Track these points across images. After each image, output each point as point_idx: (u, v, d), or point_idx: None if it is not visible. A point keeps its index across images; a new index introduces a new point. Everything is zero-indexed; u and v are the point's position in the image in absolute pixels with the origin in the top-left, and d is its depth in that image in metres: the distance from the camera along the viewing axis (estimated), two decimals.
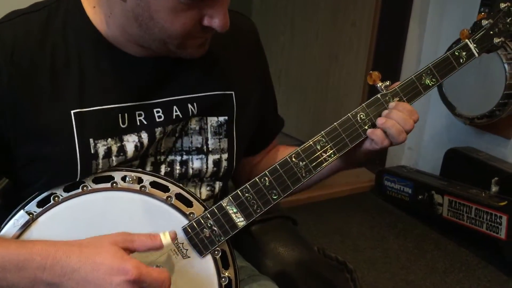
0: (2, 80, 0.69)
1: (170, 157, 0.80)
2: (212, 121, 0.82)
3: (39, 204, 0.72)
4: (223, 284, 0.76)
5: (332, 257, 1.22)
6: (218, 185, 0.85)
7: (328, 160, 0.78)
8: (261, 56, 0.92)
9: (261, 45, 0.92)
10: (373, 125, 0.79)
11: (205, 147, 0.81)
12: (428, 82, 0.81)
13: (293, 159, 0.77)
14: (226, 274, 0.77)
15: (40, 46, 0.71)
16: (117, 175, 0.74)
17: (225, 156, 0.83)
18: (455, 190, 2.31)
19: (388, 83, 0.80)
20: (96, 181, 0.74)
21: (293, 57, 3.21)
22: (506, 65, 2.12)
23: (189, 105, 0.79)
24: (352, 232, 2.36)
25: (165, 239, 0.69)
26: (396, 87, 0.80)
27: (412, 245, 2.28)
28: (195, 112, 0.79)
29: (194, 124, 0.80)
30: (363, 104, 0.79)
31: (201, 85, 0.81)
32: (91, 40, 0.74)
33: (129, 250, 0.67)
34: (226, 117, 0.83)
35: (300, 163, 0.77)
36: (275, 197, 0.76)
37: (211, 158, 0.82)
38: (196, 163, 0.81)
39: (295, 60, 3.21)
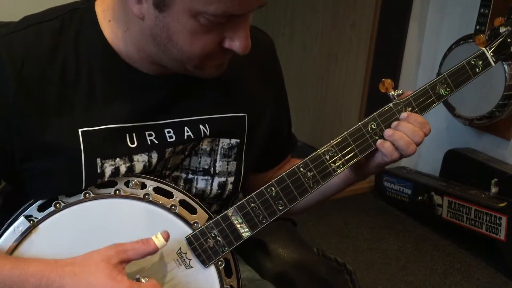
0: (8, 95, 0.67)
1: (176, 173, 0.78)
2: (224, 143, 0.80)
3: (40, 209, 0.70)
4: None
5: (331, 258, 1.21)
6: (220, 206, 0.84)
7: (337, 171, 0.76)
8: (278, 75, 0.90)
9: (278, 63, 0.90)
10: None
11: (212, 169, 0.79)
12: (443, 91, 0.79)
13: (301, 169, 0.75)
14: (229, 283, 0.75)
15: (50, 60, 0.69)
16: (121, 181, 0.72)
17: (231, 179, 0.81)
18: (455, 191, 2.30)
19: (401, 92, 0.78)
20: (99, 186, 0.72)
21: (293, 57, 3.20)
22: (505, 66, 2.11)
23: (201, 126, 0.77)
24: (351, 233, 2.35)
25: (159, 241, 0.68)
26: (409, 96, 0.78)
27: (411, 246, 2.27)
28: (207, 133, 0.77)
29: (205, 145, 0.78)
30: (374, 114, 0.77)
31: (214, 106, 0.79)
32: (103, 55, 0.71)
33: (125, 262, 0.66)
34: (238, 140, 0.81)
35: (308, 173, 0.75)
36: (281, 207, 0.75)
37: (216, 180, 0.80)
38: (200, 184, 0.79)
39: (295, 60, 3.19)
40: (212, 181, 0.80)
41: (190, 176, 0.79)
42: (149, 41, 0.68)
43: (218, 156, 0.79)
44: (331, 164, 0.76)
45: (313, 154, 0.76)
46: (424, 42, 2.72)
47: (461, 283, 2.03)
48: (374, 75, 2.82)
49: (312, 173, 0.75)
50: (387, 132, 0.76)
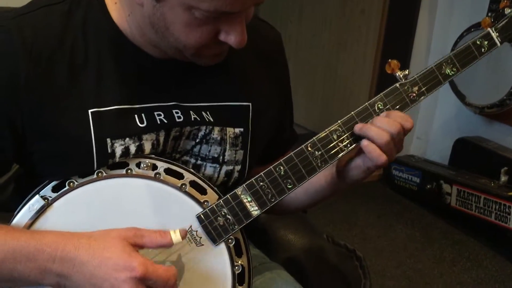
0: (19, 77, 0.68)
1: (185, 158, 0.79)
2: (230, 132, 0.80)
3: (54, 189, 0.72)
4: (237, 272, 0.76)
5: (341, 245, 1.22)
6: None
7: (344, 150, 0.77)
8: (283, 68, 0.91)
9: (284, 57, 0.90)
10: None
11: (221, 157, 0.80)
12: (449, 71, 0.79)
13: (309, 149, 0.76)
14: (240, 262, 0.76)
15: (60, 42, 0.70)
16: (132, 161, 0.74)
17: (238, 167, 0.82)
18: (464, 179, 2.30)
19: (407, 72, 0.79)
20: (111, 167, 0.73)
21: (301, 45, 3.19)
22: None
23: (203, 113, 0.78)
24: (359, 221, 2.36)
25: (175, 236, 0.69)
26: (415, 76, 0.79)
27: (419, 234, 2.28)
28: (211, 120, 0.79)
29: (216, 134, 0.79)
30: (381, 94, 0.78)
31: (218, 94, 0.80)
32: (111, 37, 0.73)
33: (138, 246, 0.67)
34: (242, 129, 0.81)
35: (316, 152, 0.76)
36: (290, 186, 0.76)
37: (224, 168, 0.81)
38: (208, 170, 0.80)
39: (303, 48, 3.19)
40: (220, 169, 0.81)
41: (199, 162, 0.80)
42: (148, 28, 0.69)
43: (228, 145, 0.80)
44: (339, 144, 0.77)
45: (321, 133, 0.77)
46: (434, 30, 2.70)
47: (469, 271, 2.04)
48: (383, 63, 2.81)
49: (319, 152, 0.76)
50: (357, 126, 0.76)
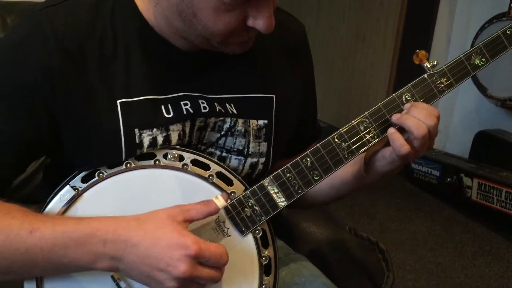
0: (53, 65, 0.68)
1: (210, 149, 0.80)
2: (253, 124, 0.81)
3: (84, 180, 0.72)
4: (264, 263, 0.76)
5: (364, 237, 1.21)
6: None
7: (371, 141, 0.76)
8: (307, 61, 0.90)
9: (308, 49, 0.90)
10: None
11: (246, 150, 0.81)
12: (478, 62, 0.78)
13: (336, 140, 0.76)
14: (266, 253, 0.77)
15: (89, 33, 0.71)
16: (159, 153, 0.74)
17: (262, 160, 0.82)
18: (485, 173, 2.28)
19: (435, 63, 0.78)
20: (139, 158, 0.74)
21: (319, 37, 3.18)
22: None
23: (227, 105, 0.79)
24: (378, 214, 2.35)
25: (219, 201, 0.70)
26: (444, 67, 0.78)
27: (439, 228, 2.26)
28: (235, 112, 0.79)
29: (240, 126, 0.79)
30: (409, 85, 0.77)
31: (242, 86, 0.80)
32: (138, 28, 0.73)
33: (187, 221, 0.67)
34: (266, 121, 0.81)
35: (343, 144, 0.76)
36: (316, 178, 0.76)
37: (249, 161, 0.81)
38: (233, 162, 0.81)
39: (321, 41, 3.17)
40: (245, 162, 0.81)
41: (224, 154, 0.80)
42: (176, 17, 0.69)
43: (251, 137, 0.81)
44: (365, 135, 0.76)
45: (347, 125, 0.76)
46: (455, 21, 2.66)
47: (490, 265, 2.02)
48: (402, 55, 2.79)
49: (346, 143, 0.76)
50: (395, 116, 0.75)
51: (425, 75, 0.78)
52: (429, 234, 2.22)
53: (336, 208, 2.32)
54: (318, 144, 0.76)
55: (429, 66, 0.78)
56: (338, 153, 0.76)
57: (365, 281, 1.14)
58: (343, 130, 0.76)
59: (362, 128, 0.77)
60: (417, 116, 0.73)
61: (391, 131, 0.74)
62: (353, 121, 0.77)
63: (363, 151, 0.77)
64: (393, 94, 0.77)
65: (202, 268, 0.65)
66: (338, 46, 3.10)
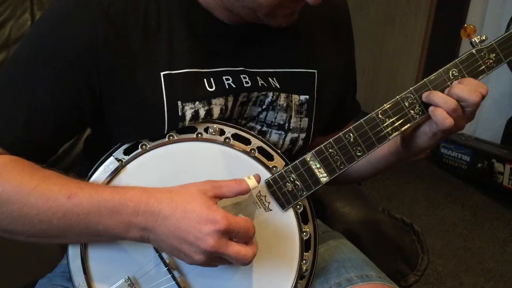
0: (98, 36, 0.68)
1: (251, 124, 0.79)
2: (295, 99, 0.80)
3: (126, 152, 0.73)
4: (304, 238, 0.76)
5: (398, 218, 1.20)
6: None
7: (416, 118, 0.75)
8: (349, 37, 0.89)
9: (350, 26, 0.89)
10: None
11: (287, 124, 0.80)
12: None
13: (380, 116, 0.75)
14: (306, 228, 0.76)
15: (133, 5, 0.71)
16: (200, 127, 0.74)
17: (302, 135, 0.82)
18: None
19: (484, 38, 0.75)
20: (180, 131, 0.74)
21: None
22: None
23: (270, 79, 0.78)
24: (407, 199, 2.32)
25: (251, 182, 0.69)
26: (493, 42, 0.75)
27: (469, 213, 2.23)
28: (277, 86, 0.78)
29: (282, 101, 0.79)
30: (456, 60, 0.75)
31: (284, 60, 0.79)
32: (182, 1, 0.73)
33: (218, 197, 0.68)
34: (307, 96, 0.81)
35: (387, 120, 0.75)
36: (359, 153, 0.75)
37: (289, 136, 0.81)
38: (273, 137, 0.80)
39: None
40: (285, 137, 0.81)
41: (264, 128, 0.80)
42: None
43: (293, 112, 0.80)
44: (410, 111, 0.75)
45: (392, 100, 0.75)
46: (489, 4, 2.59)
47: None
48: (433, 38, 2.73)
49: (390, 120, 0.75)
50: (424, 94, 0.74)
51: (473, 50, 0.76)
52: (458, 219, 2.19)
53: None
54: (362, 120, 0.75)
55: (477, 41, 0.76)
56: (381, 129, 0.75)
57: (399, 262, 1.14)
58: (387, 105, 0.75)
59: (406, 104, 0.75)
60: (457, 92, 0.72)
61: (432, 107, 0.73)
62: (397, 96, 0.75)
63: (408, 128, 0.76)
64: (440, 70, 0.75)
65: (230, 243, 0.65)
66: (366, 29, 3.04)
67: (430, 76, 0.75)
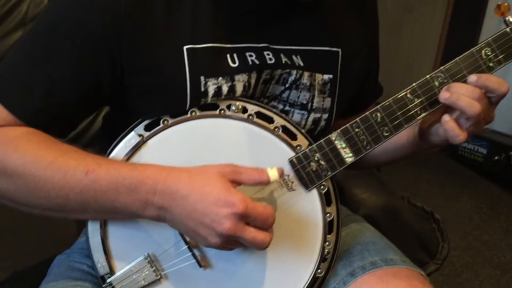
0: (121, 11, 0.67)
1: (273, 103, 0.78)
2: (319, 78, 0.78)
3: (147, 128, 0.71)
4: (328, 219, 0.74)
5: (418, 206, 1.18)
6: None
7: None
8: (374, 18, 0.88)
9: (376, 7, 0.87)
10: (499, 62, 0.73)
11: (309, 104, 0.78)
12: None
13: (408, 95, 0.72)
14: (329, 210, 0.75)
15: None
16: (223, 104, 0.72)
17: (325, 116, 0.80)
18: None
19: None
20: (202, 108, 0.72)
21: None
22: None
23: (294, 57, 0.76)
24: (421, 191, 2.30)
25: (273, 174, 0.67)
26: None
27: (485, 206, 2.20)
28: (301, 64, 0.76)
29: (306, 80, 0.77)
30: (488, 39, 0.73)
31: (308, 38, 0.77)
32: None
33: (236, 183, 0.66)
34: (331, 76, 0.79)
35: (416, 99, 0.72)
36: (386, 134, 0.73)
37: (312, 116, 0.79)
38: (296, 117, 0.78)
39: None
40: (308, 116, 0.79)
41: (287, 108, 0.78)
42: None
43: (316, 92, 0.78)
44: (440, 91, 0.72)
45: (421, 80, 0.73)
46: None
47: None
48: (452, 28, 2.68)
49: (419, 99, 0.72)
50: (443, 94, 0.71)
51: (507, 29, 0.73)
52: (474, 212, 2.16)
53: None
54: (390, 99, 0.73)
55: (511, 20, 0.73)
56: (410, 109, 0.72)
57: (419, 250, 1.12)
58: (416, 84, 0.73)
59: (437, 83, 0.73)
60: (471, 93, 0.69)
61: (446, 118, 0.71)
62: (427, 75, 0.73)
63: (437, 109, 0.73)
64: (472, 49, 0.73)
65: (247, 228, 0.63)
66: (383, 18, 2.98)
67: (461, 55, 0.73)
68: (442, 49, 2.74)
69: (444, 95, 0.70)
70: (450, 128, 0.71)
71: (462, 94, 0.69)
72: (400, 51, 2.97)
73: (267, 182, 0.66)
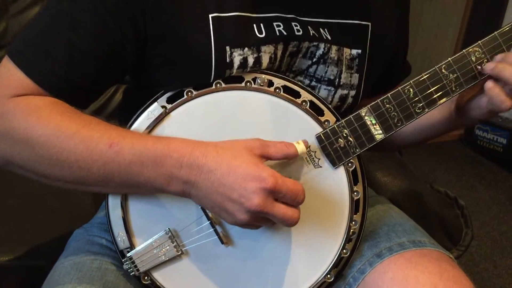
0: None
1: (299, 78, 0.75)
2: (346, 53, 0.75)
3: (169, 100, 0.69)
4: (355, 198, 0.72)
5: (441, 191, 1.15)
6: None
7: (483, 75, 0.69)
8: None
9: None
10: None
11: (337, 80, 0.75)
12: None
13: (443, 71, 0.69)
14: (357, 189, 0.72)
15: None
16: (248, 76, 0.70)
17: (352, 92, 0.77)
18: None
19: None
20: (226, 81, 0.70)
21: None
22: None
23: (321, 30, 0.73)
24: (439, 180, 2.26)
25: (300, 147, 0.65)
26: None
27: (504, 196, 2.16)
28: (329, 38, 0.73)
29: (334, 54, 0.74)
30: None
31: (336, 10, 0.74)
32: None
33: (265, 157, 0.63)
34: (360, 51, 0.76)
35: (451, 75, 0.69)
36: (419, 110, 0.70)
37: (339, 92, 0.76)
38: (322, 93, 0.76)
39: None
40: (335, 93, 0.76)
41: (313, 83, 0.75)
42: None
43: (344, 67, 0.75)
44: (477, 67, 0.69)
45: (457, 54, 0.69)
46: None
47: None
48: (473, 16, 2.62)
49: (455, 75, 0.69)
50: (488, 65, 0.68)
51: None
52: (492, 202, 2.12)
53: None
54: (423, 74, 0.69)
55: None
56: (445, 85, 0.69)
57: (442, 236, 1.09)
58: (452, 59, 0.69)
59: (473, 58, 0.69)
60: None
61: (489, 85, 0.68)
62: (463, 50, 0.70)
63: (474, 85, 0.70)
64: (505, 26, 0.69)
65: (276, 204, 0.60)
66: None
67: (500, 29, 0.69)
68: (462, 38, 2.68)
69: (489, 66, 0.68)
70: (495, 94, 0.67)
71: (508, 64, 0.66)
72: (419, 38, 2.91)
73: (295, 155, 0.64)
